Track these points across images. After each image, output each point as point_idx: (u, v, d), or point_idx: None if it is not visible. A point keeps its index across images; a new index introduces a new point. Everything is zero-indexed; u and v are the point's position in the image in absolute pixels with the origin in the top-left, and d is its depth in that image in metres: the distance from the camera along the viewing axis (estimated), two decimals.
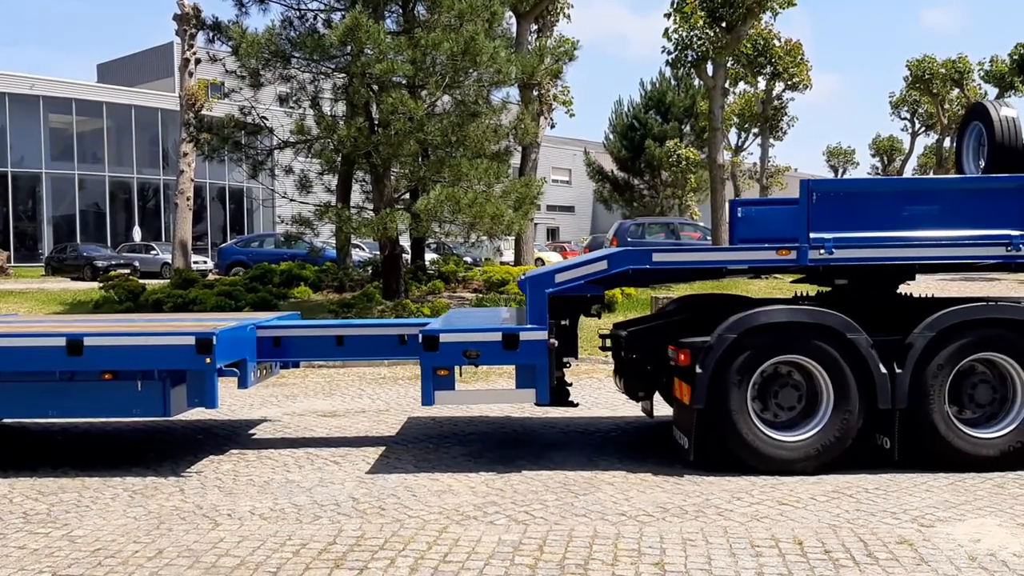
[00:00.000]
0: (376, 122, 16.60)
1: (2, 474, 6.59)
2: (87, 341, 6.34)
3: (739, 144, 48.52)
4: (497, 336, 6.52)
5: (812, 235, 6.46)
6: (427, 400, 6.58)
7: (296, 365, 9.21)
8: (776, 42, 36.79)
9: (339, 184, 19.31)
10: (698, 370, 6.20)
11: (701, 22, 24.30)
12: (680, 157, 43.89)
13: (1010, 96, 39.39)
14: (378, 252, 20.02)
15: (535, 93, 22.47)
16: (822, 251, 6.46)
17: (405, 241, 20.70)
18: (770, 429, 6.35)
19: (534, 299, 6.63)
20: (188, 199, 23.44)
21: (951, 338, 6.30)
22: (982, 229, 6.47)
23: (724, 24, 24.58)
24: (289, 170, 18.69)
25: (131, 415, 6.91)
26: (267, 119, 18.09)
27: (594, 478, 6.31)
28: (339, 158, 17.68)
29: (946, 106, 43.26)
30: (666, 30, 24.92)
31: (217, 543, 5.01)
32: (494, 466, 6.71)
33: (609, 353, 7.96)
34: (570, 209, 67.99)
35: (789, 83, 39.33)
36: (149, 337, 6.45)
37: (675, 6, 24.60)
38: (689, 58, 25.18)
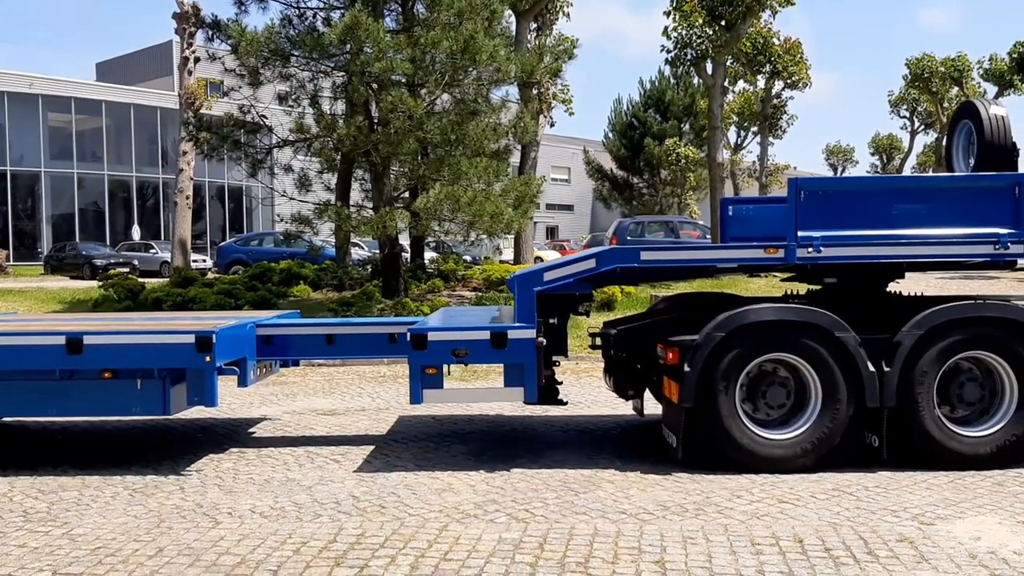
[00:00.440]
0: (375, 120, 16.59)
1: (2, 473, 6.59)
2: (87, 340, 6.34)
3: (738, 143, 48.55)
4: (485, 335, 6.52)
5: (800, 233, 6.46)
6: (415, 399, 6.58)
7: (296, 363, 9.22)
8: (775, 41, 36.79)
9: (338, 183, 19.31)
10: (686, 368, 6.20)
11: (700, 20, 24.28)
12: (679, 156, 43.88)
13: (1009, 95, 39.40)
14: (377, 251, 20.02)
15: (534, 92, 22.45)
16: (810, 249, 6.46)
17: (405, 240, 20.69)
18: (759, 427, 6.35)
19: (522, 298, 6.63)
20: (187, 198, 23.42)
21: (939, 337, 6.30)
22: (971, 227, 6.48)
23: (723, 22, 24.56)
24: (288, 169, 18.68)
25: (131, 414, 6.92)
26: (266, 118, 18.08)
27: (594, 476, 6.31)
28: (338, 156, 17.67)
29: (945, 104, 43.23)
30: (665, 28, 24.88)
31: (217, 541, 5.01)
32: (494, 464, 6.71)
33: (600, 351, 7.97)
34: (569, 208, 67.98)
35: (788, 82, 39.33)
36: (149, 336, 6.45)
37: (675, 4, 24.58)
38: (688, 56, 25.15)
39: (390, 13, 17.67)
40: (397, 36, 16.11)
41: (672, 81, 48.95)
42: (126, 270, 28.98)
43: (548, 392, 7.03)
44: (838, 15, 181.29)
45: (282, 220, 18.30)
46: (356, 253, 26.37)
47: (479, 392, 7.62)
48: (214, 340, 6.29)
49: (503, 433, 7.96)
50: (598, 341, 7.89)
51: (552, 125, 27.24)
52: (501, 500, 5.75)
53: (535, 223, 28.67)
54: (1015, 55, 34.50)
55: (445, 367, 6.73)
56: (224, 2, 79.49)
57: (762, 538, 4.95)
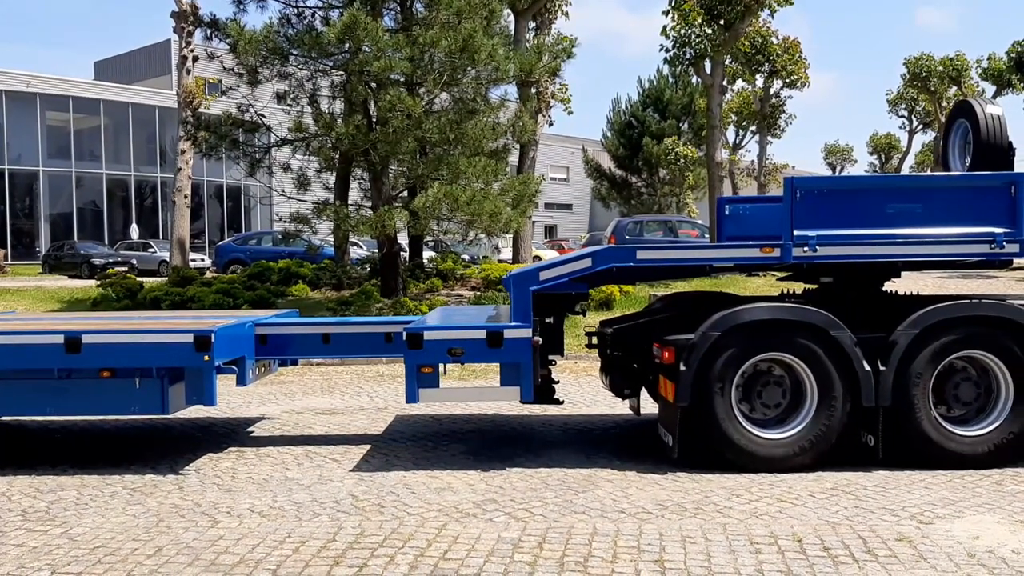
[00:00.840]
0: (374, 120, 16.58)
1: (1, 472, 6.58)
2: (85, 339, 6.33)
3: (737, 142, 48.58)
4: (481, 334, 6.52)
5: (796, 233, 6.47)
6: (411, 398, 6.58)
7: (294, 363, 9.21)
8: (774, 40, 36.82)
9: (337, 182, 19.30)
10: (682, 368, 6.20)
11: (699, 20, 24.29)
12: (678, 155, 43.91)
13: (1007, 94, 39.42)
14: (376, 250, 20.01)
15: (533, 91, 22.44)
16: (806, 249, 6.46)
17: (403, 239, 20.69)
18: (755, 427, 6.36)
19: (518, 297, 6.63)
20: (186, 197, 23.40)
21: (935, 336, 6.31)
22: (966, 226, 6.48)
23: (722, 22, 24.57)
24: (287, 168, 18.67)
25: (129, 413, 6.90)
26: (265, 117, 18.08)
27: (593, 475, 6.31)
28: (337, 156, 17.67)
29: (944, 104, 43.24)
30: (664, 28, 24.90)
31: (216, 541, 5.00)
32: (493, 463, 6.71)
33: (596, 351, 7.96)
34: (568, 207, 67.98)
35: (787, 81, 39.36)
36: (147, 335, 6.44)
37: (673, 4, 24.58)
38: (687, 56, 25.16)
39: (389, 12, 17.67)
40: (396, 35, 16.10)
41: (671, 80, 49.00)
42: (124, 269, 28.95)
43: (544, 391, 7.03)
44: (836, 15, 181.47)
45: (281, 219, 18.29)
46: (355, 252, 26.36)
47: (475, 391, 7.63)
48: (213, 339, 6.28)
49: (502, 432, 7.96)
50: (594, 340, 7.89)
51: (551, 124, 27.25)
52: (500, 499, 5.75)
53: (534, 222, 28.65)
54: (1014, 54, 34.50)
55: (441, 366, 6.73)
56: (223, 1, 79.47)
57: (761, 537, 4.95)
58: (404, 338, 6.51)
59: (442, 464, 6.72)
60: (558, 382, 7.41)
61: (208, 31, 17.90)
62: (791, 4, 25.18)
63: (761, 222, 7.22)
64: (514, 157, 22.05)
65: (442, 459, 6.90)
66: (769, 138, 43.66)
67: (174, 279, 18.71)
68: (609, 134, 51.45)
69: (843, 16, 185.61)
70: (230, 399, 9.60)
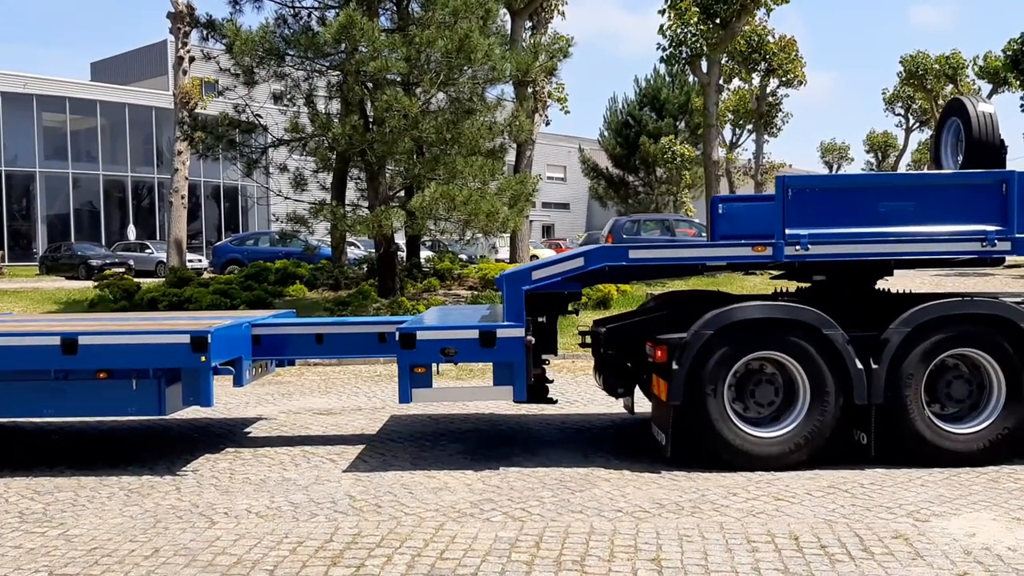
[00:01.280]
0: (371, 120, 16.58)
1: None
2: (82, 340, 6.33)
3: (734, 140, 48.65)
4: (474, 334, 6.52)
5: (788, 231, 6.47)
6: (404, 398, 6.58)
7: (291, 363, 9.21)
8: (770, 38, 36.85)
9: (334, 182, 19.29)
10: (675, 366, 6.21)
11: (696, 19, 24.31)
12: (675, 154, 43.91)
13: (1003, 92, 39.47)
14: (373, 250, 20.00)
15: (530, 90, 22.44)
16: (797, 247, 6.47)
17: (400, 239, 20.68)
18: (747, 425, 6.36)
19: (511, 296, 6.63)
20: (183, 197, 23.38)
21: (927, 334, 6.32)
22: (958, 225, 6.49)
23: (718, 20, 24.59)
24: (284, 168, 18.66)
25: (126, 414, 6.90)
26: (261, 117, 18.06)
27: (590, 474, 6.32)
28: (334, 156, 17.66)
29: (940, 102, 43.28)
30: (661, 27, 24.96)
31: (214, 541, 5.00)
32: (490, 463, 6.71)
33: (590, 350, 7.97)
34: (565, 206, 67.97)
35: (783, 79, 39.40)
36: (144, 336, 6.44)
37: (670, 3, 24.62)
38: (684, 54, 25.20)
39: (385, 12, 17.66)
40: (392, 35, 16.09)
41: (668, 79, 48.96)
42: (122, 270, 28.97)
43: (537, 391, 7.03)
44: (830, 14, 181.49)
45: (278, 219, 18.28)
46: (352, 252, 26.35)
47: (468, 391, 7.64)
48: (209, 340, 6.28)
49: (499, 432, 7.96)
50: (588, 340, 7.89)
51: (547, 124, 27.28)
52: (497, 499, 5.76)
53: (531, 222, 28.65)
54: (1009, 52, 34.54)
55: (437, 366, 6.73)
56: (219, 1, 79.35)
57: (758, 535, 4.96)
58: (397, 338, 6.51)
59: (439, 464, 6.73)
60: (552, 381, 7.41)
61: (204, 32, 17.88)
62: (787, 2, 25.22)
63: (754, 221, 7.22)
64: (511, 157, 22.04)
65: (439, 459, 6.90)
66: (766, 137, 43.77)
67: (171, 280, 18.69)
68: (606, 133, 51.44)
69: (838, 15, 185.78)
70: (227, 400, 9.59)
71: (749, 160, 49.57)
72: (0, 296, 20.23)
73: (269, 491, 6.05)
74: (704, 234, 25.84)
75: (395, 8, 17.58)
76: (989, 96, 40.96)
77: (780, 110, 43.54)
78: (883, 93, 53.34)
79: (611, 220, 28.78)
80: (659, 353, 6.34)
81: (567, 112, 53.74)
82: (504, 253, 31.13)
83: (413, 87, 16.35)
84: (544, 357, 7.26)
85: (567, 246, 40.69)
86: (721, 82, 31.67)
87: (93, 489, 6.16)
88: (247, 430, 8.24)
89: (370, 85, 16.15)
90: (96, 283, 19.78)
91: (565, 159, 64.50)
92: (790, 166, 58.96)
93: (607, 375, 7.35)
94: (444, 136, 16.15)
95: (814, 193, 6.61)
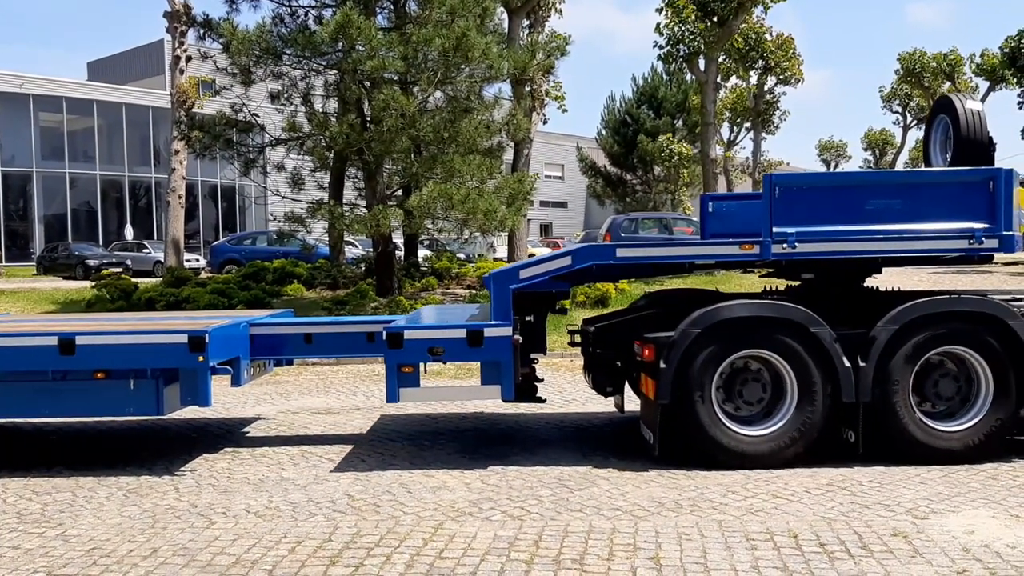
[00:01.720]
0: (368, 119, 16.57)
1: None
2: (79, 340, 6.32)
3: (732, 139, 48.66)
4: (461, 333, 6.51)
5: (775, 229, 6.46)
6: (391, 397, 6.57)
7: (290, 363, 9.19)
8: (768, 36, 36.86)
9: (331, 181, 19.28)
10: (662, 365, 6.21)
11: (693, 17, 24.31)
12: (673, 152, 43.94)
13: (1001, 89, 39.49)
14: (371, 249, 20.00)
15: (527, 89, 22.43)
16: (785, 245, 6.46)
17: (399, 238, 20.67)
18: (735, 424, 6.36)
19: (499, 295, 6.62)
20: (180, 197, 23.35)
21: (914, 331, 6.31)
22: (945, 222, 6.47)
23: (716, 18, 24.59)
24: (281, 167, 18.65)
25: (124, 414, 6.89)
26: (259, 116, 18.04)
27: (589, 473, 6.31)
28: (331, 155, 17.65)
29: None
30: (658, 25, 24.96)
31: (212, 541, 5.00)
32: (489, 462, 6.71)
33: (579, 349, 7.95)
34: (563, 205, 67.97)
35: (781, 77, 39.41)
36: (142, 336, 6.43)
37: (667, 1, 24.61)
38: (681, 53, 25.20)
39: (382, 11, 17.65)
40: (389, 34, 16.08)
41: (665, 78, 49.00)
42: (119, 270, 28.95)
43: (526, 390, 7.03)
44: (827, 12, 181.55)
45: (275, 219, 18.27)
46: (350, 252, 26.33)
47: (455, 390, 7.64)
48: (207, 340, 6.27)
49: (498, 431, 7.96)
50: (577, 338, 7.88)
51: (545, 122, 27.25)
52: (496, 498, 5.75)
53: (529, 220, 28.64)
54: (1007, 49, 34.56)
55: (422, 365, 6.71)
56: (215, 1, 79.27)
57: (757, 534, 4.95)
58: (384, 338, 6.49)
59: (438, 463, 6.72)
60: (542, 380, 7.41)
61: (201, 31, 17.86)
62: (784, 0, 25.20)
63: (744, 219, 7.21)
64: (509, 155, 22.04)
65: (438, 458, 6.89)
66: (763, 135, 43.82)
67: (169, 280, 18.68)
68: (604, 132, 51.47)
69: (834, 13, 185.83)
70: (225, 399, 9.58)
71: (747, 158, 49.60)
72: None
73: (267, 491, 6.04)
74: None
75: (392, 7, 17.56)
76: (987, 93, 41.02)
77: (778, 108, 43.57)
78: (880, 91, 53.44)
79: (609, 218, 28.78)
80: (647, 352, 6.34)
81: (564, 111, 53.81)
82: (502, 252, 31.15)
83: (410, 86, 16.35)
84: (533, 356, 7.26)
85: (565, 245, 40.68)
86: (719, 80, 31.67)
87: (91, 489, 6.15)
88: (245, 430, 8.23)
89: (367, 84, 16.14)
90: (93, 283, 19.77)
91: (563, 158, 64.49)
92: (788, 164, 59.02)
93: (596, 374, 7.36)
94: (442, 135, 16.15)
95: (802, 191, 6.59)
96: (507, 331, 6.49)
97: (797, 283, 7.84)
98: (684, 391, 6.24)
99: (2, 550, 4.93)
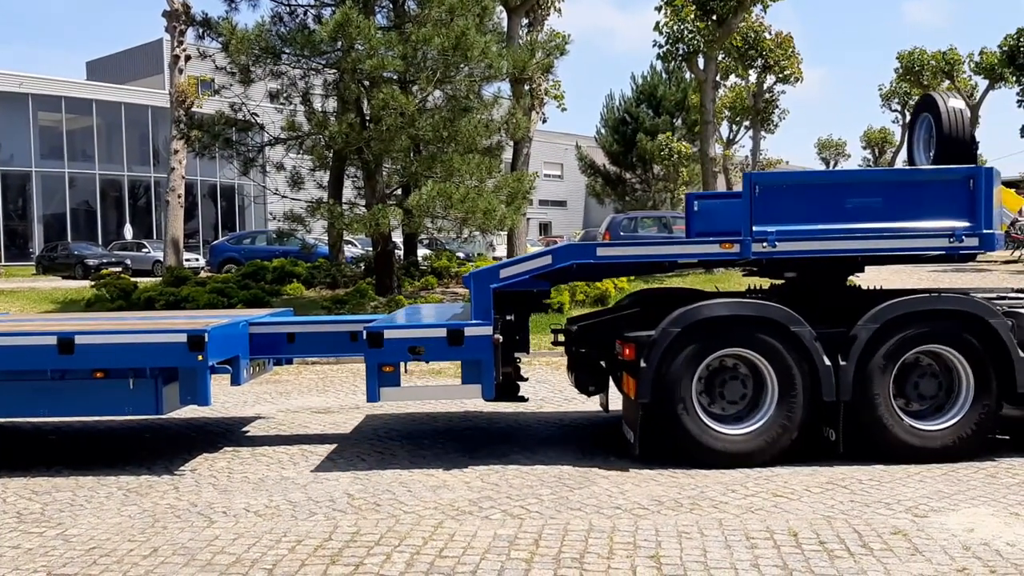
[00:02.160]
0: (367, 118, 16.56)
1: None
2: (78, 340, 6.32)
3: (731, 137, 48.64)
4: (442, 332, 6.49)
5: (755, 228, 6.45)
6: (372, 397, 6.56)
7: (289, 362, 9.18)
8: (767, 35, 36.83)
9: (331, 180, 19.28)
10: (642, 364, 6.20)
11: (692, 15, 24.31)
12: (672, 151, 43.90)
13: (1000, 87, 39.49)
14: (371, 248, 20.00)
15: (526, 88, 22.42)
16: (765, 244, 6.45)
17: (398, 237, 20.67)
18: (716, 422, 6.35)
19: (479, 294, 6.61)
20: (179, 196, 23.33)
21: (895, 330, 6.29)
22: (926, 221, 6.46)
23: (715, 17, 24.58)
24: (280, 167, 18.64)
25: (124, 413, 6.89)
26: (258, 115, 18.04)
27: (589, 472, 6.31)
28: (330, 154, 17.64)
29: None
30: (657, 24, 24.94)
31: (212, 541, 5.00)
32: (489, 461, 6.71)
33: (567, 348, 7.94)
34: (562, 204, 67.97)
35: (780, 76, 39.39)
36: (141, 335, 6.43)
37: (666, 0, 24.61)
38: (680, 51, 25.18)
39: (381, 10, 17.64)
40: (388, 33, 16.08)
41: (664, 76, 48.97)
42: (118, 270, 28.92)
43: (507, 389, 7.03)
44: (826, 10, 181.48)
45: (275, 218, 18.28)
46: (349, 251, 26.33)
47: (437, 390, 7.62)
48: (206, 339, 6.27)
49: (498, 430, 7.96)
50: (560, 338, 7.89)
51: (544, 121, 27.24)
52: (496, 497, 5.75)
53: (528, 219, 28.65)
54: (1006, 48, 34.56)
55: (403, 365, 6.70)
56: (214, 0, 79.26)
57: (757, 532, 4.96)
58: (364, 337, 6.49)
59: (438, 462, 6.72)
60: (526, 379, 7.41)
61: (200, 30, 17.85)
62: None
63: (728, 218, 7.17)
64: (508, 154, 22.03)
65: (438, 457, 6.89)
66: (763, 133, 43.75)
67: (168, 279, 18.67)
68: (603, 130, 51.45)
69: (831, 12, 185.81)
70: (225, 399, 9.58)
71: (746, 157, 49.57)
72: None
73: (267, 490, 6.04)
74: None
75: (391, 6, 17.56)
76: (986, 92, 41.03)
77: (777, 106, 43.55)
78: (880, 89, 53.41)
79: (608, 217, 28.78)
80: (627, 351, 6.34)
81: (564, 109, 53.80)
82: (502, 251, 31.13)
83: (410, 85, 16.34)
84: (517, 355, 7.26)
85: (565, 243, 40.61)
86: (718, 79, 31.68)
87: (91, 489, 6.15)
88: (245, 429, 8.23)
89: (367, 83, 16.13)
90: (93, 282, 19.75)
91: (562, 156, 64.47)
92: (787, 162, 59.02)
93: (578, 373, 7.36)
94: (441, 134, 16.14)
95: (782, 190, 6.58)
96: (487, 330, 6.47)
97: (781, 282, 7.83)
98: (664, 390, 6.23)
99: (2, 549, 4.93)
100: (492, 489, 5.93)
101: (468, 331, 6.46)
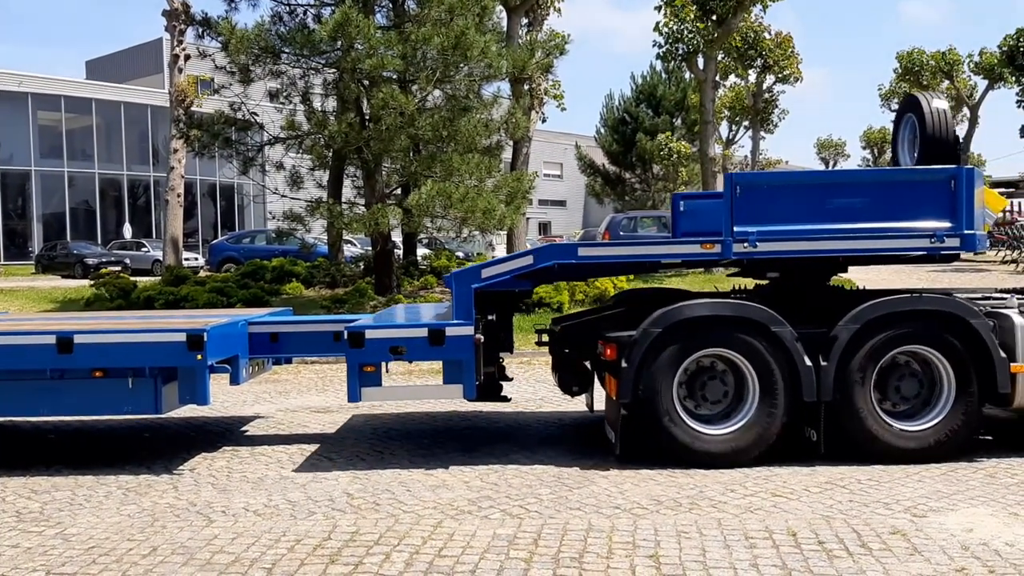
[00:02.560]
0: (367, 117, 16.56)
1: None
2: (77, 339, 6.31)
3: (730, 137, 48.60)
4: (423, 332, 6.49)
5: (736, 228, 6.45)
6: (353, 397, 6.54)
7: (288, 361, 9.17)
8: (766, 35, 36.83)
9: (330, 180, 19.28)
10: (624, 364, 6.21)
11: (692, 15, 24.30)
12: (671, 150, 43.86)
13: (999, 87, 39.48)
14: (370, 248, 20.00)
15: (526, 87, 22.42)
16: (745, 244, 6.44)
17: (397, 237, 20.66)
18: (697, 422, 6.34)
19: (460, 294, 6.61)
20: (179, 196, 23.33)
21: (876, 330, 6.29)
22: (908, 221, 6.44)
23: (715, 17, 24.58)
24: (280, 166, 18.64)
25: (123, 412, 6.89)
26: (257, 115, 18.04)
27: (588, 472, 6.31)
28: (330, 154, 17.64)
29: None
30: (657, 24, 24.93)
31: (211, 540, 4.99)
32: (488, 460, 6.71)
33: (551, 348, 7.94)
34: (562, 203, 67.97)
35: (780, 76, 39.38)
36: (140, 334, 6.43)
37: (666, 0, 24.60)
38: (680, 51, 25.17)
39: (381, 9, 17.64)
40: (388, 32, 16.08)
41: (664, 76, 48.94)
42: (118, 269, 28.92)
43: (490, 389, 7.03)
44: (825, 10, 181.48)
45: (274, 217, 18.29)
46: (348, 250, 26.33)
47: (418, 389, 7.61)
48: (205, 338, 6.27)
49: (497, 429, 7.96)
50: (545, 338, 7.88)
51: (544, 120, 27.24)
52: (495, 496, 5.75)
53: (527, 219, 28.64)
54: (1005, 48, 34.56)
55: (384, 365, 6.69)
56: None
57: (756, 532, 4.96)
58: (346, 337, 6.48)
59: (437, 461, 6.72)
60: (511, 379, 7.40)
61: (200, 29, 17.86)
62: None
63: (713, 218, 7.18)
64: (507, 154, 22.04)
65: (437, 456, 6.90)
66: (762, 133, 43.73)
67: (167, 278, 18.66)
68: (602, 130, 51.42)
69: (830, 13, 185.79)
70: (224, 398, 9.58)
71: (745, 157, 49.56)
72: None
73: (266, 489, 6.04)
74: None
75: (391, 5, 17.56)
76: (985, 92, 41.02)
77: (776, 106, 43.53)
78: (879, 89, 53.34)
79: (608, 217, 28.79)
80: (609, 351, 6.33)
81: (563, 109, 53.79)
82: (501, 250, 31.12)
83: (409, 84, 16.34)
84: (501, 355, 7.25)
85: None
86: (717, 79, 31.67)
87: (90, 488, 6.15)
88: (244, 428, 8.23)
89: (366, 83, 16.13)
90: (92, 282, 19.74)
91: (562, 156, 64.48)
92: (786, 162, 59.03)
93: (562, 373, 7.37)
94: (440, 133, 16.14)
95: (763, 190, 6.57)
96: (468, 330, 6.46)
97: (765, 282, 7.83)
98: (646, 390, 6.24)
99: (1, 548, 4.93)
100: (491, 488, 5.93)
101: (449, 331, 6.45)
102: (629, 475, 6.19)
